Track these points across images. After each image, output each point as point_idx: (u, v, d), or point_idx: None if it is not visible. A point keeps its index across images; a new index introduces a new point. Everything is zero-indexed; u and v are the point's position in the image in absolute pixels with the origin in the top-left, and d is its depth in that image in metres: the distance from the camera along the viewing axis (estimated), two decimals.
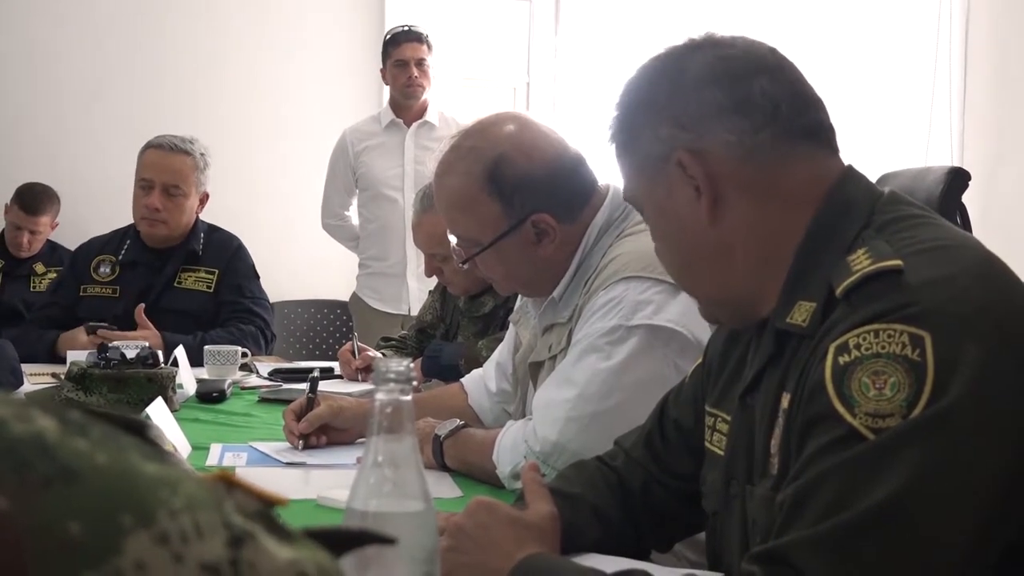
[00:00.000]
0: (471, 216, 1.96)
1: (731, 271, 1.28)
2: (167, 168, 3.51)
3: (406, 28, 4.51)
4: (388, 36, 4.55)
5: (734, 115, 1.24)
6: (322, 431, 2.21)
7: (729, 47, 1.28)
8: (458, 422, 2.01)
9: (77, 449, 0.44)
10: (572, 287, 1.97)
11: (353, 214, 4.73)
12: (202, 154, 3.57)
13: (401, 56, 4.45)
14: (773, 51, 1.30)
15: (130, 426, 0.49)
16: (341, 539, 0.57)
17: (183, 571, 0.44)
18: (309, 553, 0.50)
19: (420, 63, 4.44)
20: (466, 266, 2.04)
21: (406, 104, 4.52)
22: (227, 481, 0.51)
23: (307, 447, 2.18)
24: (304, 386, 2.83)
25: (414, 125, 4.53)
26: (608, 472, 1.53)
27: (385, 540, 0.62)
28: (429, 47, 4.46)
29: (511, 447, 1.87)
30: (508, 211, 1.93)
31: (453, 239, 2.05)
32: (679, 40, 1.32)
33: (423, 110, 4.54)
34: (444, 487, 1.89)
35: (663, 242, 1.37)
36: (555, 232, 1.94)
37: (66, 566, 0.41)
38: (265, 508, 0.51)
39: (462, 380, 2.41)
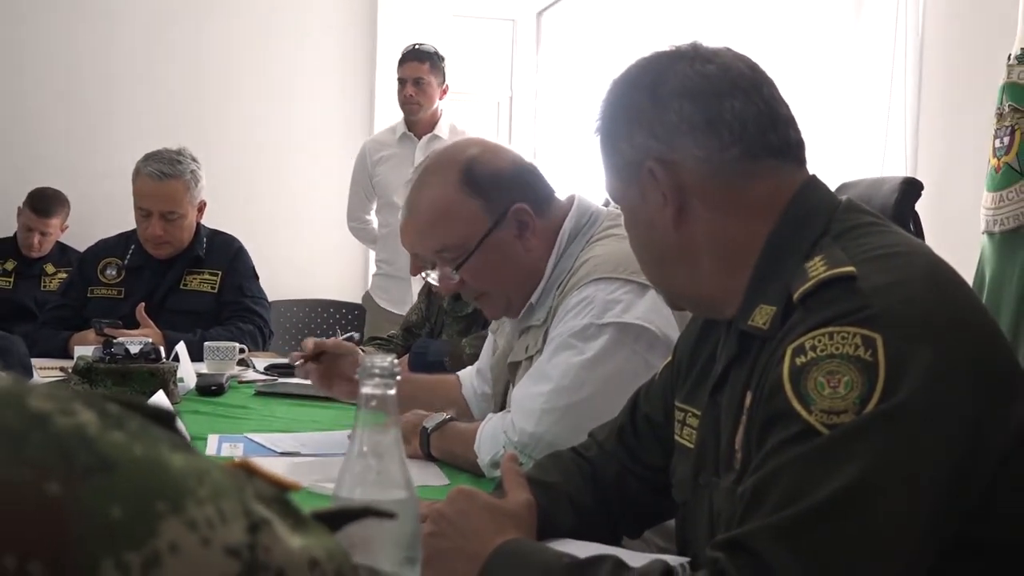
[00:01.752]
0: (454, 220, 1.94)
1: (696, 273, 1.29)
2: (161, 197, 3.47)
3: (412, 47, 4.53)
4: (400, 54, 4.57)
5: (704, 132, 1.24)
6: (329, 376, 2.25)
7: (708, 62, 1.27)
8: (445, 416, 2.00)
9: (115, 441, 0.46)
10: (546, 290, 1.97)
11: (374, 218, 4.80)
12: (192, 170, 3.52)
13: (401, 74, 4.50)
14: (753, 68, 1.29)
15: (160, 418, 0.51)
16: (346, 516, 0.59)
17: (210, 554, 0.46)
18: (319, 540, 0.52)
19: (417, 81, 4.46)
20: (457, 276, 1.99)
21: (410, 119, 4.55)
22: (247, 468, 0.53)
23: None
24: (300, 380, 2.83)
25: (424, 138, 4.54)
26: (582, 462, 1.53)
27: (385, 515, 0.64)
28: (433, 66, 4.47)
29: (491, 437, 1.87)
30: (488, 206, 1.93)
31: (434, 274, 2.03)
32: (665, 46, 1.32)
33: (433, 123, 4.55)
34: (431, 475, 1.89)
35: (635, 240, 1.37)
36: (533, 223, 1.94)
37: (110, 546, 0.43)
38: (281, 493, 0.52)
39: (458, 373, 2.40)
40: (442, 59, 4.52)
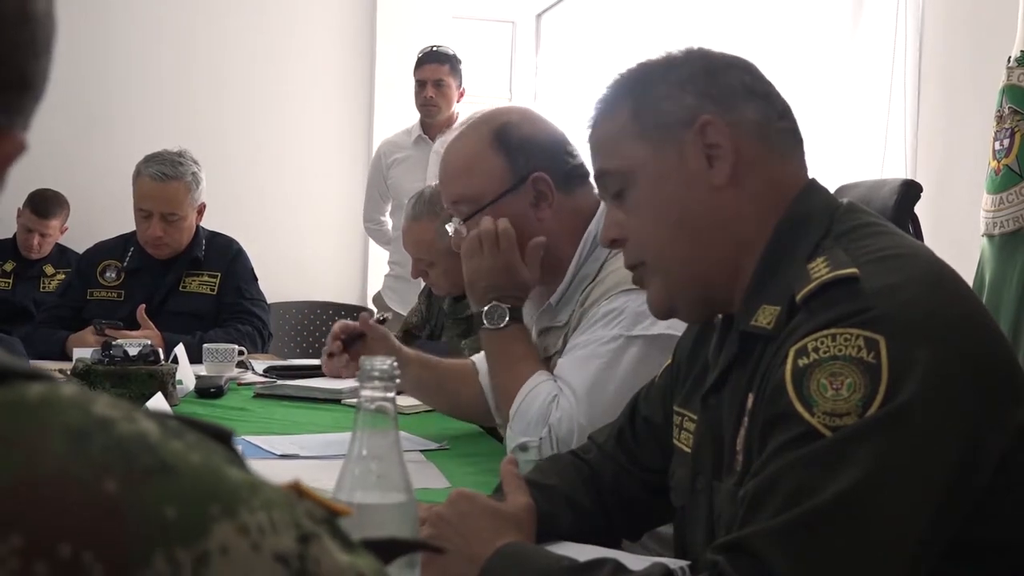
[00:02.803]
0: (475, 173, 1.96)
1: (711, 248, 1.26)
2: (162, 198, 3.47)
3: (431, 49, 4.52)
4: (418, 56, 4.56)
5: (762, 100, 1.27)
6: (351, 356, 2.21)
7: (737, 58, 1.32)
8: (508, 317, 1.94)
9: (174, 448, 0.48)
10: (569, 294, 1.95)
11: (388, 219, 4.79)
12: (193, 172, 3.52)
13: (421, 76, 4.48)
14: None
15: (218, 435, 0.53)
16: (396, 547, 0.64)
17: (259, 559, 0.47)
18: (366, 561, 0.53)
19: (438, 83, 4.46)
20: (465, 228, 1.96)
21: (427, 121, 4.54)
22: (298, 490, 0.55)
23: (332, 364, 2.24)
24: (300, 382, 2.82)
25: (438, 140, 4.52)
26: (582, 464, 1.53)
27: (435, 549, 0.65)
28: (452, 68, 4.47)
29: (537, 416, 1.82)
30: (512, 166, 1.94)
31: (450, 227, 2.01)
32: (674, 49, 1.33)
33: (449, 126, 4.53)
34: (431, 478, 1.88)
35: (651, 209, 1.30)
36: (552, 197, 1.93)
37: (163, 541, 0.45)
38: (331, 516, 0.54)
39: (472, 359, 2.31)
40: (460, 61, 4.52)
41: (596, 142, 1.37)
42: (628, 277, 1.82)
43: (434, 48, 4.52)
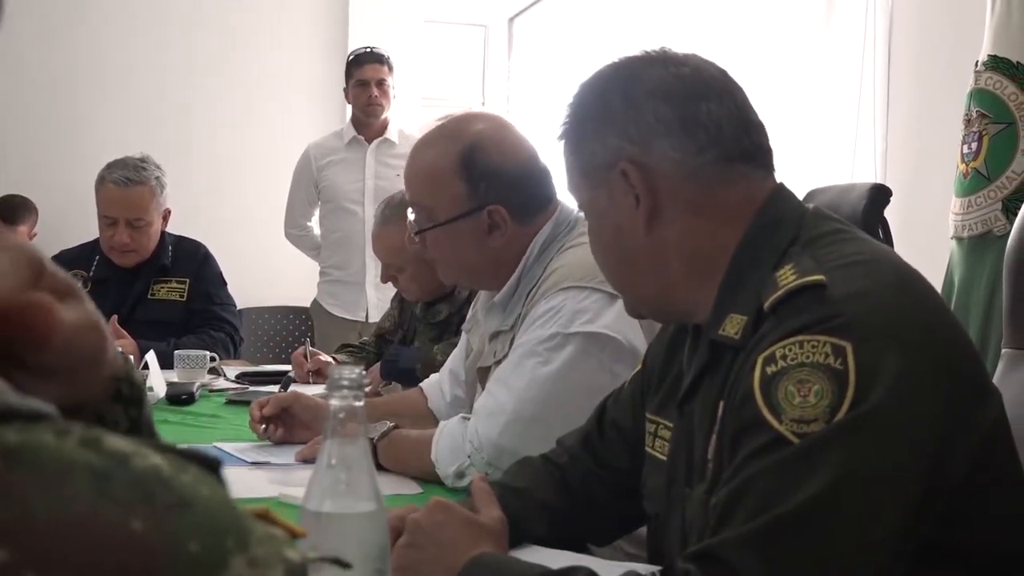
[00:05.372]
0: (436, 190, 1.95)
1: (665, 277, 1.28)
2: (128, 204, 3.44)
3: (368, 50, 4.49)
4: (351, 57, 4.53)
5: (680, 134, 1.23)
6: (284, 425, 2.19)
7: (682, 65, 1.27)
8: (388, 424, 1.98)
9: (186, 482, 0.49)
10: (516, 296, 1.97)
11: (315, 224, 4.70)
12: (157, 177, 3.50)
13: (363, 76, 4.44)
14: (723, 73, 1.29)
15: (207, 465, 0.54)
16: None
17: None
18: None
19: (380, 83, 4.42)
20: (417, 238, 2.01)
21: (367, 122, 4.50)
22: (266, 517, 0.55)
23: (268, 435, 2.19)
24: (271, 388, 2.82)
25: (375, 142, 4.51)
26: (552, 467, 1.53)
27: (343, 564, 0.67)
28: (390, 68, 4.44)
29: (451, 447, 1.85)
30: (471, 195, 1.93)
31: (411, 214, 2.03)
32: (634, 52, 1.31)
33: (383, 128, 4.52)
34: (405, 485, 1.87)
35: (600, 245, 1.36)
36: (507, 227, 1.94)
37: None
38: (292, 542, 0.55)
39: (421, 385, 2.40)
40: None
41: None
42: (568, 275, 1.85)
43: (371, 49, 4.50)
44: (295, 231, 4.71)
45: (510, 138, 1.99)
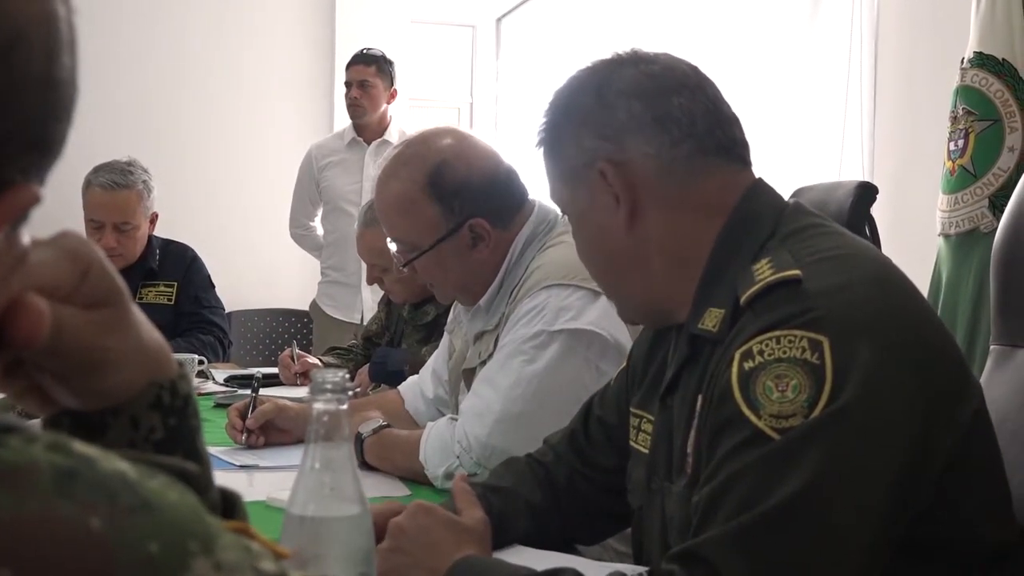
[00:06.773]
0: (412, 220, 1.95)
1: (648, 275, 1.29)
2: (114, 208, 3.43)
3: (360, 51, 4.50)
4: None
5: (654, 129, 1.25)
6: (263, 431, 2.19)
7: (652, 63, 1.29)
8: (380, 421, 1.98)
9: (151, 486, 0.50)
10: (499, 297, 1.98)
11: (318, 224, 4.72)
12: (144, 181, 3.48)
13: (347, 77, 4.46)
14: (694, 69, 1.30)
15: (181, 475, 0.56)
16: None
17: None
18: None
19: (362, 84, 4.40)
20: (405, 270, 2.03)
21: (356, 123, 4.50)
22: (243, 531, 0.57)
23: (250, 445, 2.17)
24: (262, 391, 2.81)
25: (374, 143, 4.50)
26: (537, 467, 1.54)
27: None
28: (380, 69, 4.41)
29: (440, 448, 1.86)
30: (447, 215, 1.92)
31: (393, 246, 2.04)
32: (606, 55, 1.33)
33: (383, 129, 4.50)
34: (392, 487, 1.88)
35: (584, 245, 1.37)
36: (490, 237, 1.94)
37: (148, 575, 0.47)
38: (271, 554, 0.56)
39: (398, 387, 2.40)
40: (390, 63, 4.46)
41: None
42: (550, 273, 1.85)
43: (363, 50, 4.49)
44: (298, 230, 4.75)
45: (469, 148, 1.97)
